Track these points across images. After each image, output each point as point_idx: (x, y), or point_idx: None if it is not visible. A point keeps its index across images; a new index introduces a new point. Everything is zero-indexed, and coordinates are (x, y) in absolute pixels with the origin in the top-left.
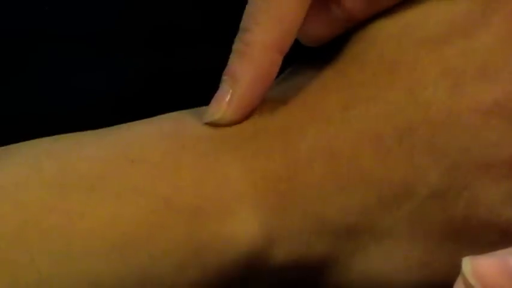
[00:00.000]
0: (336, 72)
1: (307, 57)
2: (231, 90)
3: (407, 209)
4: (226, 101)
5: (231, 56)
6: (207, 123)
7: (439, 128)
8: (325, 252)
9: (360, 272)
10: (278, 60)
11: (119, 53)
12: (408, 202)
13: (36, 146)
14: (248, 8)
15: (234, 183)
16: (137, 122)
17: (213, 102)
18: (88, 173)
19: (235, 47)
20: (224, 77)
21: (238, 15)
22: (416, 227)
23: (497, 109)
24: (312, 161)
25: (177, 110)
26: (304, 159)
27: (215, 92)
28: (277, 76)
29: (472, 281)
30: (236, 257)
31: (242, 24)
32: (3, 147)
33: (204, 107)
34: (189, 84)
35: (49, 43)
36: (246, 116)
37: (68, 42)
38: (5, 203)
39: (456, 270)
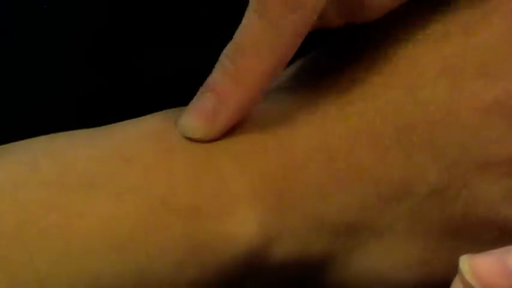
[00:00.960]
0: (333, 70)
1: (303, 56)
2: (213, 108)
3: (407, 207)
4: (211, 119)
5: (219, 72)
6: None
7: (438, 126)
8: (325, 250)
9: (359, 270)
10: (269, 86)
11: (110, 53)
12: (407, 200)
13: (33, 145)
14: (246, 29)
15: (230, 182)
16: (131, 120)
17: (194, 117)
18: (85, 172)
19: (225, 64)
20: (207, 94)
21: (223, 16)
22: (415, 224)
23: (497, 107)
24: (309, 159)
25: (168, 108)
26: (301, 157)
27: None
28: None
29: (470, 279)
30: (234, 256)
31: (237, 43)
32: None
33: None
34: (179, 83)
35: (41, 42)
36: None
37: (59, 41)
38: (3, 202)
39: (455, 268)
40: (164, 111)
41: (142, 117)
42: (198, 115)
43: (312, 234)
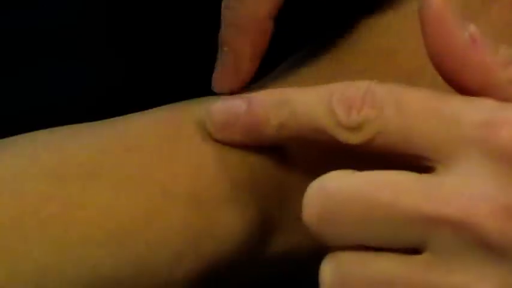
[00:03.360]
0: (333, 60)
1: (305, 47)
2: (230, 60)
3: None
4: (233, 72)
5: (225, 26)
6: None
7: None
8: None
9: None
10: (271, 26)
11: (129, 49)
12: None
13: (33, 138)
14: None
15: (231, 171)
16: (133, 114)
17: (220, 75)
18: (85, 162)
19: (228, 17)
20: (225, 48)
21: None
22: None
23: None
24: (308, 149)
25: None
26: (300, 147)
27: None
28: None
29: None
30: (234, 245)
31: None
32: (0, 140)
33: (197, 99)
34: (196, 78)
35: (41, 40)
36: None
37: (60, 39)
38: (3, 194)
39: None
40: (170, 104)
41: (148, 110)
42: (223, 72)
43: None
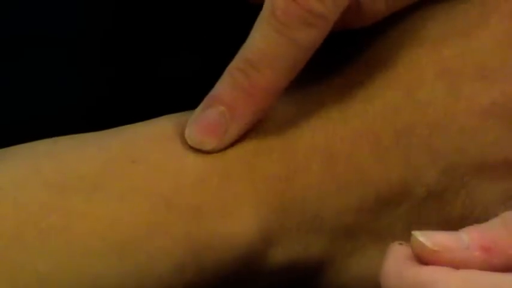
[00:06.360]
0: (333, 72)
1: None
2: (223, 123)
3: (405, 209)
4: (221, 133)
5: (229, 85)
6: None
7: (436, 128)
8: (323, 252)
9: (357, 273)
10: (276, 101)
11: (123, 56)
12: (406, 202)
13: (36, 148)
14: (260, 43)
15: (233, 183)
16: (138, 123)
17: (204, 132)
18: (88, 173)
19: (238, 78)
20: (217, 107)
21: (219, 23)
22: (413, 226)
23: (494, 110)
24: (310, 161)
25: (180, 110)
26: (303, 158)
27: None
28: None
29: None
30: (234, 256)
31: (250, 56)
32: (1, 150)
33: None
34: (172, 90)
35: (38, 47)
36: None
37: (55, 46)
38: (4, 204)
39: None
40: (173, 114)
41: (151, 120)
42: (208, 129)
43: (311, 236)
